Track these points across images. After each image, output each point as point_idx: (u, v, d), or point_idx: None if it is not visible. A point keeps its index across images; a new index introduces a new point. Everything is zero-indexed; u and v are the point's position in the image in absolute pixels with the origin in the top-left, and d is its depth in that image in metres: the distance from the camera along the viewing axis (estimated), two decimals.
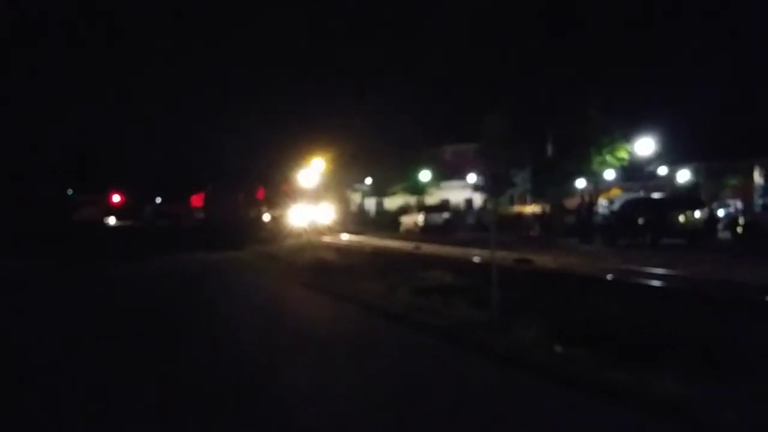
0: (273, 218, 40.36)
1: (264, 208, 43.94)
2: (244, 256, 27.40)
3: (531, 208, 42.55)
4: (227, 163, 51.37)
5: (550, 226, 35.92)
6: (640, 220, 26.34)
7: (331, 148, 36.43)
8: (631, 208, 27.88)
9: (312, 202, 33.39)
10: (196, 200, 56.28)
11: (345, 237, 38.70)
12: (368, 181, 58.20)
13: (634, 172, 40.90)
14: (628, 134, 37.65)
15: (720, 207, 32.77)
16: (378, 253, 24.80)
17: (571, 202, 37.34)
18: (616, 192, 41.86)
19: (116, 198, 49.93)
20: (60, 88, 40.45)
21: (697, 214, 25.82)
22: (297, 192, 32.08)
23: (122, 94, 47.36)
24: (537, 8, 34.55)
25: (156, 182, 57.57)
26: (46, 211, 37.19)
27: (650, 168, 38.02)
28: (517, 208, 44.91)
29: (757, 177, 30.59)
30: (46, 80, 39.39)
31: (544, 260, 19.39)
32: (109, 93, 46.34)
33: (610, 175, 41.36)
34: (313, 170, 29.42)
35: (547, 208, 39.08)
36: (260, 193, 46.42)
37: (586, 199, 34.08)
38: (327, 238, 34.56)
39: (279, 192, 41.02)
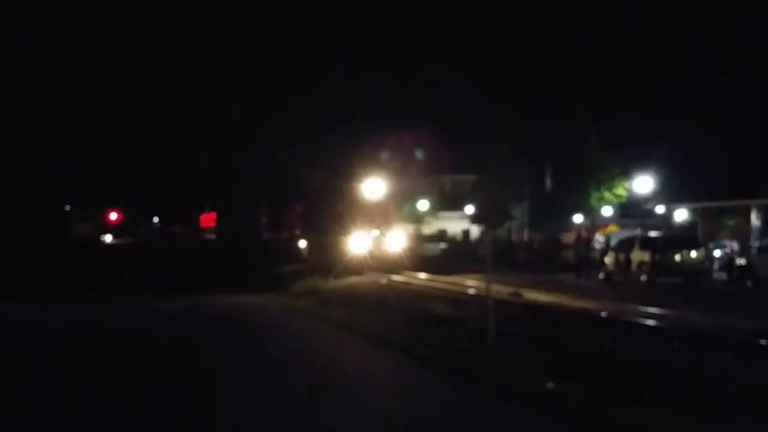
0: (315, 245, 30.01)
1: (299, 231, 34.76)
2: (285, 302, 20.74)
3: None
4: (244, 172, 41.75)
5: (546, 260, 35.89)
6: (637, 258, 26.35)
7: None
8: (627, 245, 27.89)
9: (376, 226, 27.25)
10: (206, 219, 53.66)
11: (423, 276, 27.66)
12: None
13: (632, 210, 40.98)
14: (626, 171, 37.83)
15: (716, 247, 32.79)
16: None
17: (568, 237, 37.34)
18: (613, 228, 41.90)
19: (113, 216, 49.16)
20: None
21: (693, 253, 25.85)
22: (354, 211, 25.85)
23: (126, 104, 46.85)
24: (536, 46, 35.02)
25: (155, 200, 55.09)
26: (43, 228, 36.81)
27: (648, 206, 38.08)
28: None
29: (754, 219, 30.66)
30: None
31: (538, 295, 19.36)
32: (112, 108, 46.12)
33: (607, 211, 41.44)
34: (376, 183, 23.05)
35: (537, 241, 38.98)
36: (294, 212, 37.76)
37: (584, 234, 34.07)
38: (398, 277, 25.64)
39: (326, 211, 30.63)
